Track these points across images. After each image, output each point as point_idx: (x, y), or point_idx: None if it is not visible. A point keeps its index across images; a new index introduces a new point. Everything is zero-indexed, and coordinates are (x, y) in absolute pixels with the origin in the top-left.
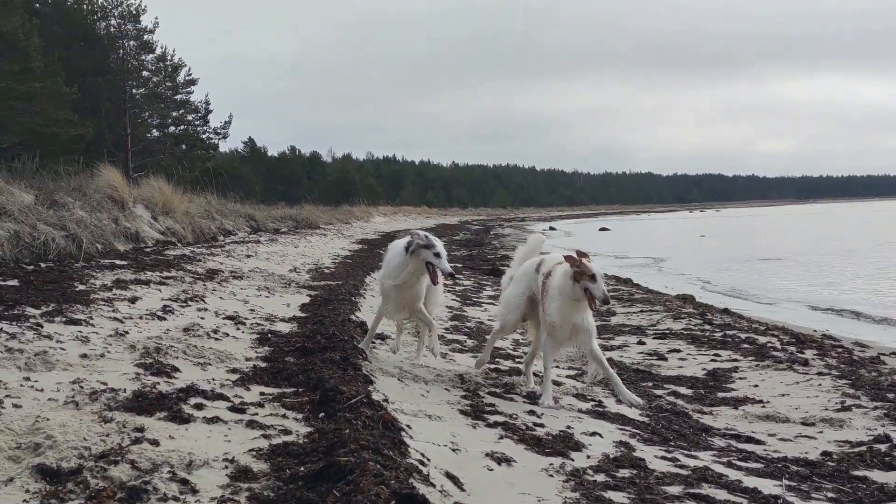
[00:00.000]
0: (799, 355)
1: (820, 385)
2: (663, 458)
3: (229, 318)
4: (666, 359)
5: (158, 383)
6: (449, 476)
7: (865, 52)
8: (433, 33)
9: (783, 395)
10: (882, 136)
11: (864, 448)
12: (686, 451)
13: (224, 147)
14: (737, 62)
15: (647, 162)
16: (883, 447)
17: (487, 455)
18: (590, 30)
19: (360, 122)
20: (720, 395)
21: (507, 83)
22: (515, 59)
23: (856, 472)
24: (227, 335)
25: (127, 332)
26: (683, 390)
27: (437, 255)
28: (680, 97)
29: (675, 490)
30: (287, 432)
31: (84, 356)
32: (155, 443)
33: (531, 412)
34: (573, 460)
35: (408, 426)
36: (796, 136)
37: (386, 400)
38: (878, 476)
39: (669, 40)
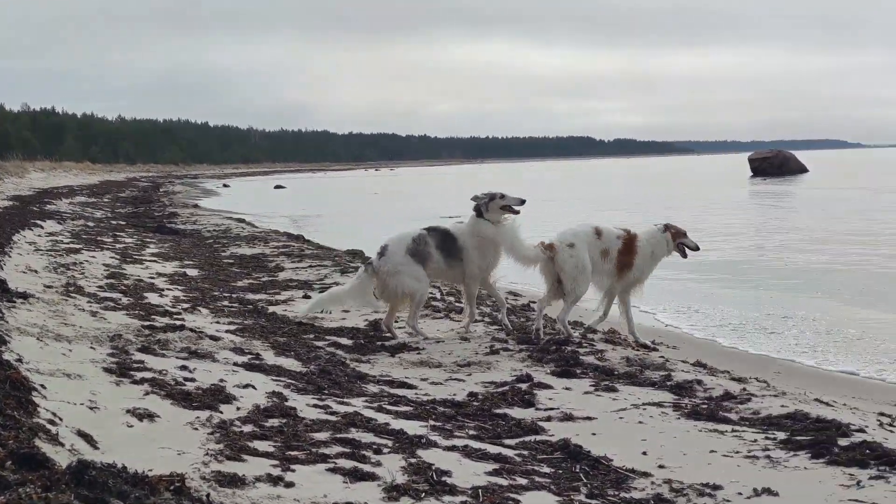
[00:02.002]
0: (457, 304)
1: (473, 331)
2: (315, 405)
3: None
4: (330, 311)
5: None
6: (82, 434)
7: (531, 20)
8: None
9: (438, 342)
10: (543, 100)
11: (507, 388)
12: (339, 399)
13: None
14: (412, 25)
15: (323, 121)
16: (524, 386)
17: (129, 412)
18: None
19: (16, 72)
20: (379, 343)
21: (182, 37)
22: (191, 12)
23: (497, 410)
24: None
25: None
26: (344, 341)
27: (503, 196)
28: (357, 57)
29: (322, 436)
30: None
31: None
32: None
33: (183, 367)
34: (222, 413)
35: (42, 386)
36: (465, 98)
37: (20, 360)
38: (517, 413)
39: (348, 1)
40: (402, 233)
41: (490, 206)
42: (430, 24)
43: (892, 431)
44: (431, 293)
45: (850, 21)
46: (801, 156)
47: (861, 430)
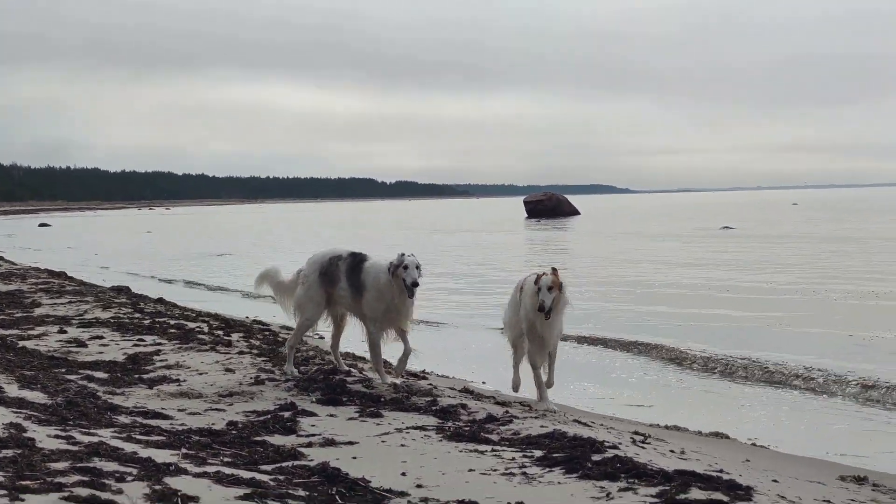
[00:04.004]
0: (224, 338)
1: (241, 363)
2: (57, 436)
3: None
4: (87, 345)
5: None
6: None
7: (309, 63)
8: None
9: (202, 374)
10: (324, 142)
11: (269, 416)
12: (85, 430)
13: None
14: (187, 62)
15: (94, 158)
16: (287, 414)
17: None
18: (32, 19)
19: None
20: (137, 376)
21: None
22: None
23: (257, 438)
24: None
25: None
26: (100, 374)
27: (406, 267)
28: (129, 93)
29: (61, 465)
30: None
31: None
32: None
33: None
34: None
35: None
36: (245, 138)
37: None
38: (277, 440)
39: (123, 36)
40: (333, 249)
41: (395, 272)
42: (207, 62)
43: (643, 448)
44: (199, 328)
45: (614, 69)
46: (574, 200)
47: (614, 447)
